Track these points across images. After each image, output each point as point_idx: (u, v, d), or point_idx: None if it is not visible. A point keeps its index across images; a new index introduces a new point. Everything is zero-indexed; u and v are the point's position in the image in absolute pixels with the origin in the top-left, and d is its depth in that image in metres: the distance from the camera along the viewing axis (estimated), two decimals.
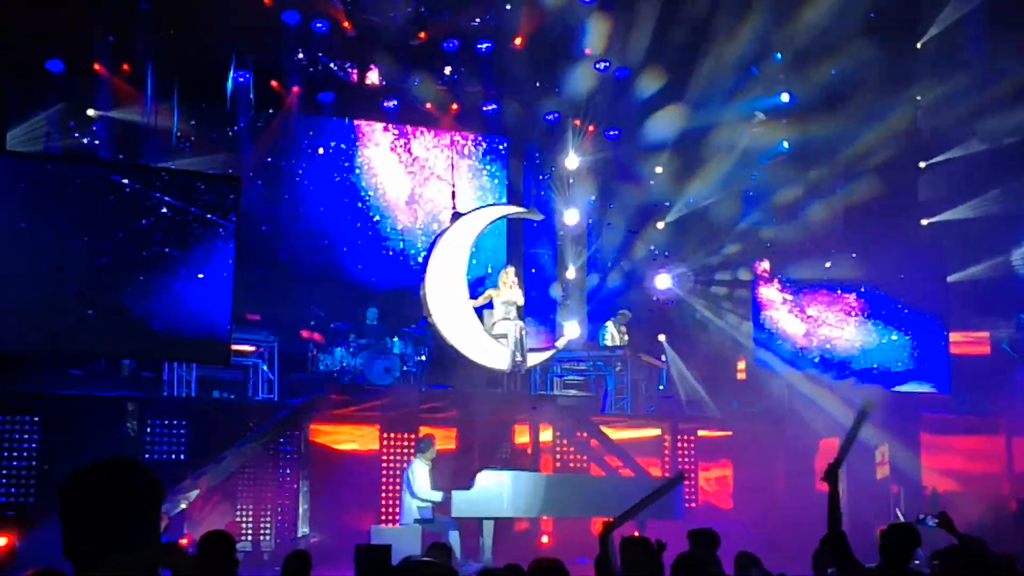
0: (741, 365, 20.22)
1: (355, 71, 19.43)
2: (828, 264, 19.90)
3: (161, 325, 15.09)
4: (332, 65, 19.14)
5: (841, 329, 19.64)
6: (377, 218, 19.77)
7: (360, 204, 19.68)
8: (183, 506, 13.81)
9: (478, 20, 19.42)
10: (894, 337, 19.60)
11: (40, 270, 14.76)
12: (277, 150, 19.12)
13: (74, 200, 14.98)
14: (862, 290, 19.75)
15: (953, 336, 19.76)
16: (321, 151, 19.50)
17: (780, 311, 19.65)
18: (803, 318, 19.68)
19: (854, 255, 19.93)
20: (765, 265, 20.02)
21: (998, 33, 19.44)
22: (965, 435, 18.89)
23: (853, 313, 19.68)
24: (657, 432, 18.25)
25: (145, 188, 15.30)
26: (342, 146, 19.72)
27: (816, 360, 19.51)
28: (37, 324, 14.79)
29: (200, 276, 15.38)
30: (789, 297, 19.70)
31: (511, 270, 17.24)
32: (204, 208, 15.51)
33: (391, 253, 19.76)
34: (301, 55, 18.73)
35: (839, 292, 19.70)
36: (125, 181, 15.28)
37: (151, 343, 15.23)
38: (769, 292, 19.73)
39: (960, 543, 6.92)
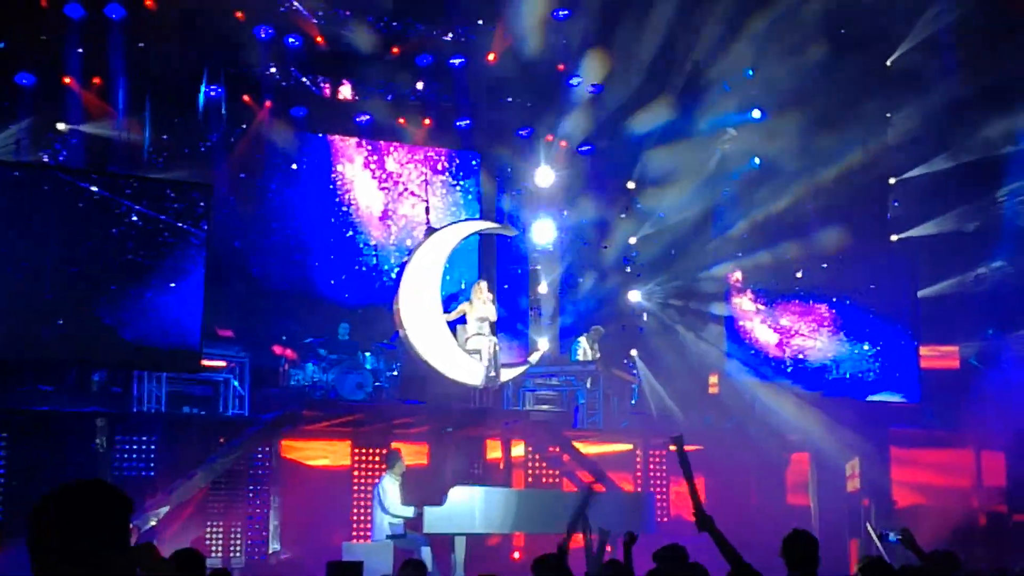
0: (713, 379, 20.28)
1: (327, 86, 19.41)
2: (799, 274, 20.02)
3: (133, 334, 15.03)
4: (304, 80, 19.09)
5: (814, 340, 19.76)
6: (350, 233, 19.70)
7: (333, 219, 19.61)
8: (152, 523, 13.69)
9: (451, 36, 19.45)
10: (865, 348, 19.74)
11: (17, 277, 14.74)
12: (251, 165, 19.02)
13: (43, 207, 14.91)
14: (833, 300, 19.89)
15: (923, 350, 19.91)
16: (295, 167, 19.42)
17: (753, 321, 19.73)
18: (776, 328, 19.76)
19: (824, 265, 20.08)
20: (737, 275, 20.08)
21: (967, 50, 19.65)
22: (934, 449, 19.00)
23: (825, 324, 19.81)
24: (629, 447, 18.29)
25: (114, 196, 15.25)
26: (316, 162, 19.65)
27: (789, 370, 19.59)
28: (9, 331, 14.74)
29: (172, 286, 15.34)
30: (762, 307, 19.78)
31: (484, 284, 17.24)
32: (175, 216, 15.46)
33: (364, 269, 19.69)
34: (273, 69, 18.69)
35: (811, 303, 19.83)
36: (94, 189, 15.22)
37: (123, 352, 15.17)
38: (742, 302, 19.80)
39: (922, 561, 6.96)
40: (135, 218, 15.25)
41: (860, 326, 19.83)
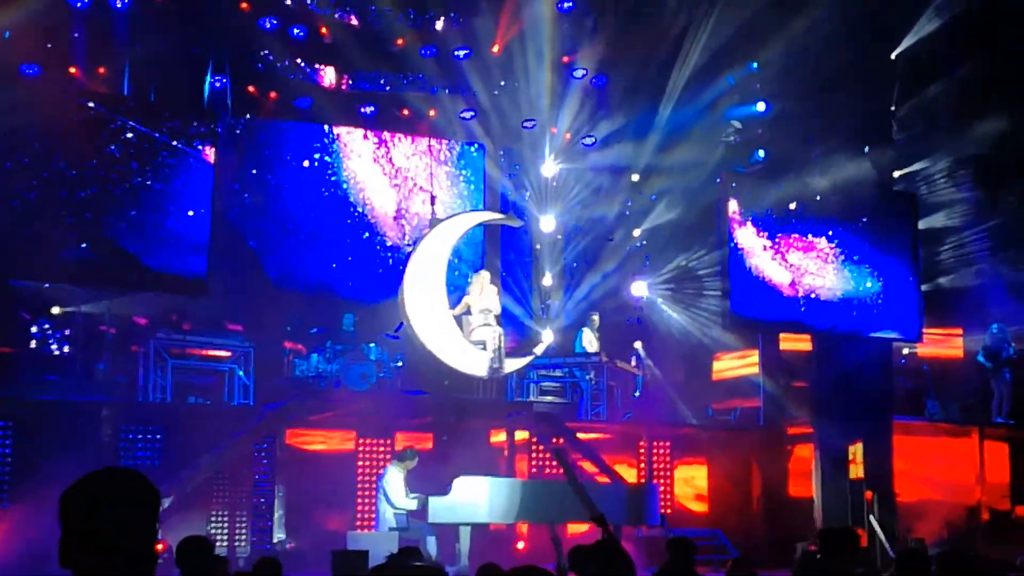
0: (716, 366, 20.24)
1: (332, 76, 19.39)
2: (793, 205, 19.50)
3: (154, 261, 15.52)
4: (307, 68, 19.06)
5: (823, 277, 19.40)
6: (366, 235, 19.66)
7: (349, 220, 19.56)
8: None
9: (456, 26, 19.44)
10: (868, 284, 19.43)
11: (30, 196, 14.94)
12: (261, 162, 19.00)
13: (43, 119, 15.16)
14: (830, 234, 19.41)
15: (927, 335, 19.73)
16: (306, 164, 19.35)
17: (762, 258, 19.14)
18: (786, 266, 19.29)
19: (818, 197, 19.67)
20: (734, 205, 19.37)
21: (972, 44, 19.63)
22: (938, 440, 18.92)
23: (829, 260, 19.42)
24: (632, 438, 18.31)
25: (109, 111, 15.51)
26: (327, 159, 19.52)
27: (803, 309, 19.22)
28: (33, 253, 15.11)
29: (191, 215, 15.81)
30: (768, 243, 19.23)
31: (485, 274, 17.21)
32: (169, 134, 15.64)
33: (380, 271, 19.60)
34: (273, 58, 18.65)
35: (810, 237, 19.27)
36: (91, 104, 15.44)
37: (139, 277, 15.61)
38: (747, 237, 19.12)
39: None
40: (130, 135, 15.49)
41: (861, 260, 19.45)
